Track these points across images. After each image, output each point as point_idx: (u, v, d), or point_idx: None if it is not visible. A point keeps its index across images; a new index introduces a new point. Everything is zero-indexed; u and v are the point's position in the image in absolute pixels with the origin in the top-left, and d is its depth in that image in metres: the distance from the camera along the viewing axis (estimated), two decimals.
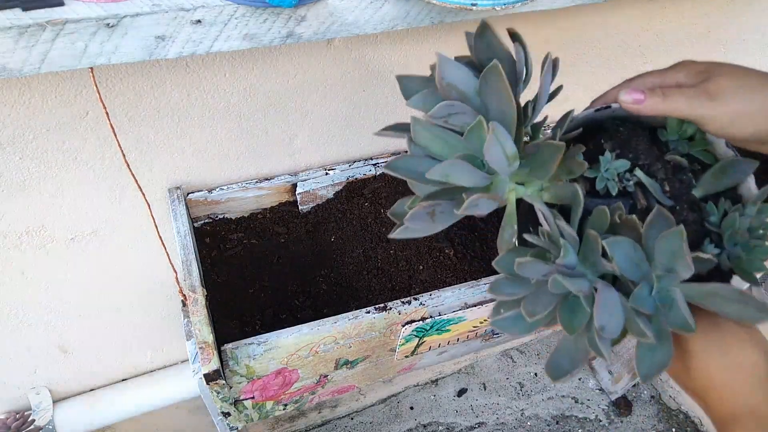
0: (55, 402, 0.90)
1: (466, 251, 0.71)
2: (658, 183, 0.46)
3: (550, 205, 0.44)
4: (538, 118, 0.45)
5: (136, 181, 0.56)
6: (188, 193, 0.73)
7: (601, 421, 1.60)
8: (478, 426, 1.56)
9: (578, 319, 0.41)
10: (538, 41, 0.76)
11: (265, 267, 0.73)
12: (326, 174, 0.77)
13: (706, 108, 0.43)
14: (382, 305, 0.63)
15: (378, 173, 0.79)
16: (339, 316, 0.61)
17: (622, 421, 1.60)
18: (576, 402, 1.63)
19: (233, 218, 0.77)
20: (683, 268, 0.39)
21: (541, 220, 0.43)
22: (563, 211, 0.43)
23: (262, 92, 0.67)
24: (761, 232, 0.43)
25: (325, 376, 0.69)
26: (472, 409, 1.59)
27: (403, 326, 0.65)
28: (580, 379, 1.67)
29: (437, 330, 0.69)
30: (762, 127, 0.43)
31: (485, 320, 0.71)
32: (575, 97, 0.64)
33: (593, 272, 0.41)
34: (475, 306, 0.68)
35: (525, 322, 0.42)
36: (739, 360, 0.41)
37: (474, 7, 0.48)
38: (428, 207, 0.43)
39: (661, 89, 0.45)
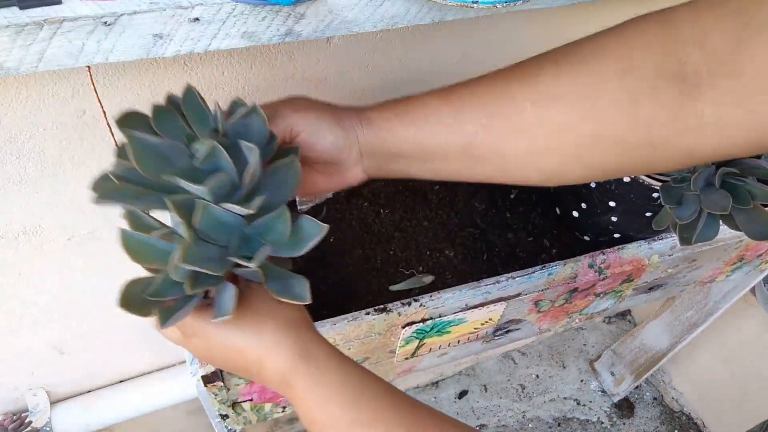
0: (52, 403, 0.89)
1: (467, 252, 0.70)
2: None
3: None
4: None
5: None
6: None
7: (603, 423, 1.59)
8: (480, 428, 1.56)
9: None
10: (538, 39, 0.75)
11: None
12: None
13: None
14: (381, 306, 0.62)
15: None
16: (338, 317, 0.61)
17: (624, 424, 1.60)
18: (578, 404, 1.63)
19: None
20: None
21: None
22: None
23: (261, 91, 0.67)
24: None
25: None
26: (473, 411, 1.59)
27: (404, 328, 0.65)
28: (582, 381, 1.67)
29: (438, 331, 0.68)
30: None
31: (486, 321, 0.71)
32: None
33: None
34: (476, 307, 0.67)
35: None
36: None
37: (475, 5, 0.47)
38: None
39: None
